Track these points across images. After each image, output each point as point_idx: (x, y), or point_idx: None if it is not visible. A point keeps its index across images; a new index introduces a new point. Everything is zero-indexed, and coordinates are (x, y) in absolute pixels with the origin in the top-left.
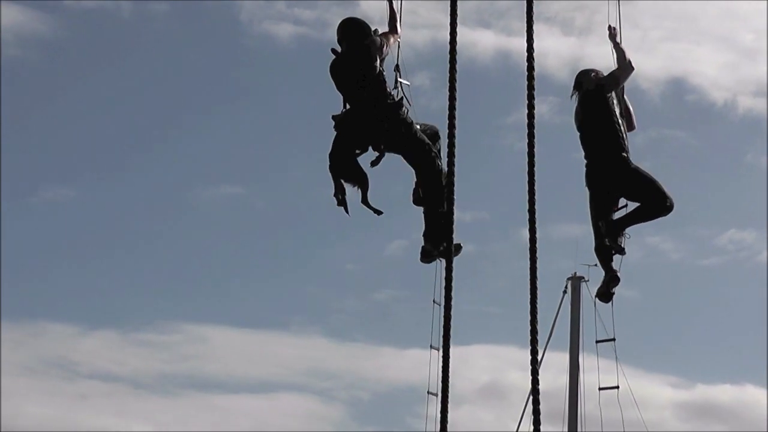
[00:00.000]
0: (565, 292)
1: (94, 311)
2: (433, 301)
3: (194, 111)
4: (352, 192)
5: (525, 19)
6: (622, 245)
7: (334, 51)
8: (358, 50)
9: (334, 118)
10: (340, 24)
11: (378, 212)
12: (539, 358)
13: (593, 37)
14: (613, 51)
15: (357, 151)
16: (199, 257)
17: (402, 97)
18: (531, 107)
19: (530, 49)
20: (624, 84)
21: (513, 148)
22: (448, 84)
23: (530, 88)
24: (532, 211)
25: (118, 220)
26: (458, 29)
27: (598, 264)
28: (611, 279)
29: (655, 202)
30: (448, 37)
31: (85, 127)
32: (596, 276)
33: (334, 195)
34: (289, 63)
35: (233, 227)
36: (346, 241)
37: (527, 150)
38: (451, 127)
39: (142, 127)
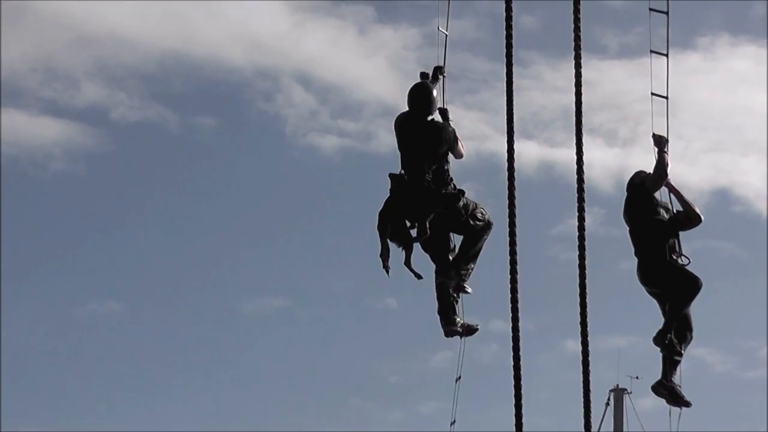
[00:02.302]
0: (607, 404)
1: (136, 424)
2: None
3: (239, 224)
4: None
5: (568, 131)
6: (678, 348)
7: (405, 113)
8: (432, 124)
9: (391, 177)
10: (411, 89)
11: (419, 276)
12: None
13: (637, 148)
14: (655, 157)
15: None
16: (242, 369)
17: (461, 190)
18: (581, 219)
19: (580, 161)
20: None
21: (558, 260)
22: (492, 195)
23: (580, 200)
24: (584, 324)
25: (162, 333)
26: (502, 140)
27: (640, 376)
28: (659, 385)
29: (684, 286)
30: (492, 148)
31: (132, 240)
32: (638, 388)
33: (380, 255)
34: (334, 175)
35: (277, 340)
36: (390, 353)
37: (578, 263)
38: (512, 243)
39: (186, 240)
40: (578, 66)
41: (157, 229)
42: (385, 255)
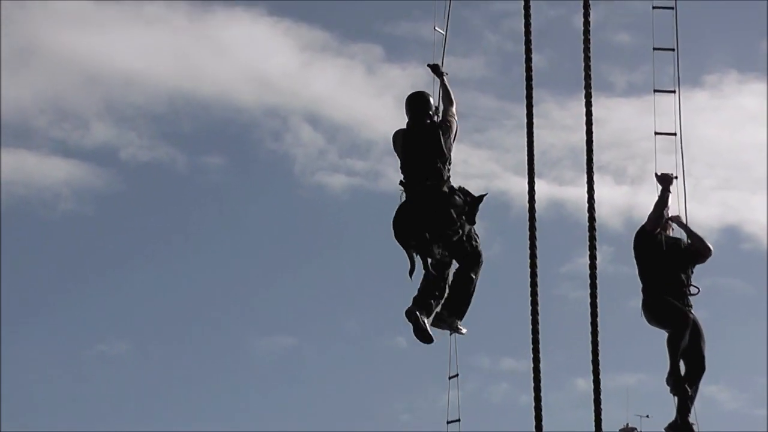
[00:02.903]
0: None
1: None
2: None
3: (247, 263)
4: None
5: (577, 169)
6: (684, 386)
7: (407, 126)
8: (429, 127)
9: (402, 184)
10: (409, 97)
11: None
12: None
13: (646, 186)
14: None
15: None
16: (251, 407)
17: (460, 188)
18: (593, 258)
19: (591, 200)
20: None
21: (567, 298)
22: (501, 233)
23: (592, 239)
24: (596, 362)
25: (171, 373)
26: (511, 178)
27: (650, 415)
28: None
29: (676, 324)
30: (500, 186)
31: (141, 280)
32: (648, 427)
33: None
34: (343, 214)
35: (286, 378)
36: (400, 392)
37: (590, 301)
38: (534, 284)
39: (195, 279)
40: (589, 105)
41: (165, 269)
42: (411, 262)
